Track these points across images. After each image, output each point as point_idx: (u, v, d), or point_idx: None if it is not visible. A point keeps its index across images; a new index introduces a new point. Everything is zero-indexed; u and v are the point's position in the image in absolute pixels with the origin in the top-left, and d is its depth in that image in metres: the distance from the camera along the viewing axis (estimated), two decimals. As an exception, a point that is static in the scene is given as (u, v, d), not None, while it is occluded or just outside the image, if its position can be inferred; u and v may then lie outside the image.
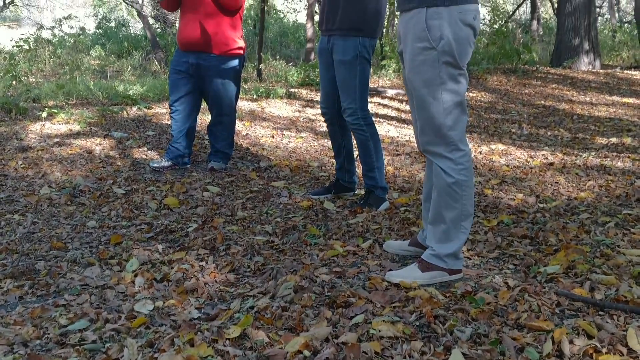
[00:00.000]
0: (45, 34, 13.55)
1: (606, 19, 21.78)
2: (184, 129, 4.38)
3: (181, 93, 4.31)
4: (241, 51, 4.33)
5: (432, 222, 2.33)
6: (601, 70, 11.44)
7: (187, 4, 4.22)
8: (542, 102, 8.22)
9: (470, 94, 8.76)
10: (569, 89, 9.39)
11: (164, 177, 4.20)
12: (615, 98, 8.61)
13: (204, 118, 5.85)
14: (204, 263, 2.63)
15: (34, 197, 3.61)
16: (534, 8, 16.37)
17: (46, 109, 5.95)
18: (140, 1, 11.41)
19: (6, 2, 13.91)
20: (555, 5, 15.76)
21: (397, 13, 2.31)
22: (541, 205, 3.49)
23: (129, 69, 11.90)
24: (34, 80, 10.20)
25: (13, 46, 10.22)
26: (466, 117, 2.26)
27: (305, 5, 15.03)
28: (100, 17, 15.71)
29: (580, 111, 7.50)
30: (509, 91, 9.13)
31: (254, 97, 7.72)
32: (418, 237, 2.60)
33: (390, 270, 2.41)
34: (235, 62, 4.30)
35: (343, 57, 3.34)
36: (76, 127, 5.55)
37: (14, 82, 6.79)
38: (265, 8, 10.69)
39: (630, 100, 8.41)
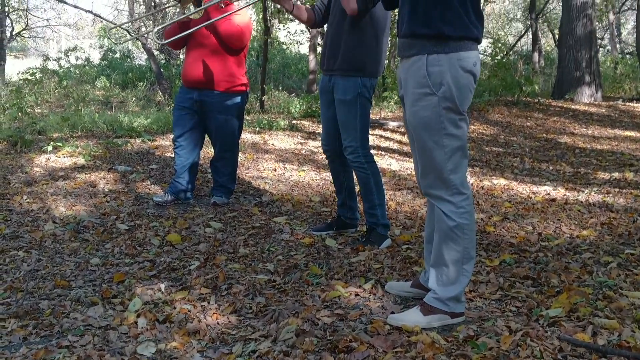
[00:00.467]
0: (51, 65, 13.71)
1: (608, 50, 21.96)
2: (187, 164, 4.42)
3: (185, 129, 4.36)
4: (244, 87, 4.39)
5: (434, 264, 2.35)
6: (603, 103, 11.51)
7: (192, 42, 4.29)
8: (544, 135, 8.26)
9: (472, 127, 8.81)
10: (570, 122, 9.44)
11: (167, 212, 4.22)
12: (617, 131, 8.65)
13: (207, 150, 5.89)
14: (206, 303, 2.64)
15: (38, 233, 3.63)
16: (535, 40, 16.54)
17: (51, 142, 6.00)
18: (145, 34, 11.56)
19: (13, 33, 14.11)
20: (557, 37, 15.91)
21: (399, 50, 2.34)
22: (543, 244, 3.49)
23: (133, 99, 12.02)
24: (40, 111, 10.30)
25: (20, 79, 10.34)
26: (467, 161, 2.29)
27: (308, 38, 15.21)
28: (105, 48, 15.91)
29: (582, 144, 7.53)
30: (510, 124, 9.19)
31: (257, 129, 7.78)
32: (420, 279, 2.61)
33: (393, 313, 2.41)
34: (239, 99, 4.36)
35: (344, 97, 3.39)
36: (81, 161, 5.59)
37: (19, 114, 6.85)
38: (269, 40, 10.83)
39: (632, 133, 8.45)
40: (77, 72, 14.06)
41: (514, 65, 15.21)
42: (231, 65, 4.30)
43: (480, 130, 8.60)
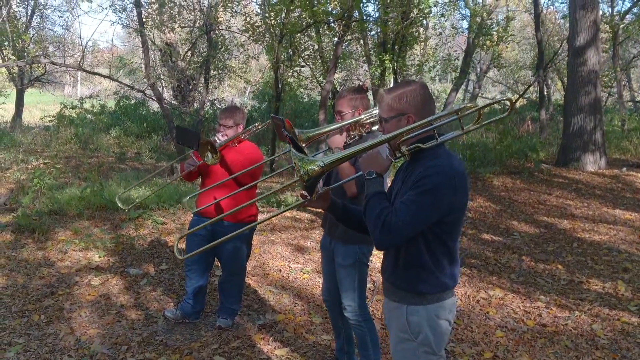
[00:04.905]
0: (68, 112, 14.08)
1: (616, 98, 22.10)
2: (197, 286, 4.69)
3: (197, 256, 4.63)
4: (253, 217, 4.65)
5: None
6: (607, 171, 11.68)
7: (205, 175, 4.58)
8: (545, 218, 8.45)
9: (475, 203, 9.05)
10: (572, 198, 9.63)
11: (175, 338, 4.47)
12: (617, 212, 8.82)
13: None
14: None
15: (55, 377, 3.89)
16: (542, 97, 16.72)
17: (67, 243, 6.30)
18: (159, 88, 11.90)
19: (32, 79, 14.53)
20: (565, 84, 16.06)
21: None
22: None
23: (147, 152, 12.35)
24: (59, 166, 10.64)
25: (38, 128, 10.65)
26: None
27: (319, 92, 15.50)
28: (120, 95, 16.32)
29: (581, 234, 7.71)
30: (513, 200, 9.40)
31: (265, 211, 8.05)
32: None
33: None
34: (248, 228, 4.62)
35: (343, 262, 3.64)
36: (95, 258, 5.88)
37: (39, 194, 7.19)
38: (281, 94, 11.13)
39: (633, 215, 8.61)
40: (93, 118, 14.43)
41: (522, 120, 15.42)
42: (241, 198, 4.57)
43: (483, 209, 8.82)
